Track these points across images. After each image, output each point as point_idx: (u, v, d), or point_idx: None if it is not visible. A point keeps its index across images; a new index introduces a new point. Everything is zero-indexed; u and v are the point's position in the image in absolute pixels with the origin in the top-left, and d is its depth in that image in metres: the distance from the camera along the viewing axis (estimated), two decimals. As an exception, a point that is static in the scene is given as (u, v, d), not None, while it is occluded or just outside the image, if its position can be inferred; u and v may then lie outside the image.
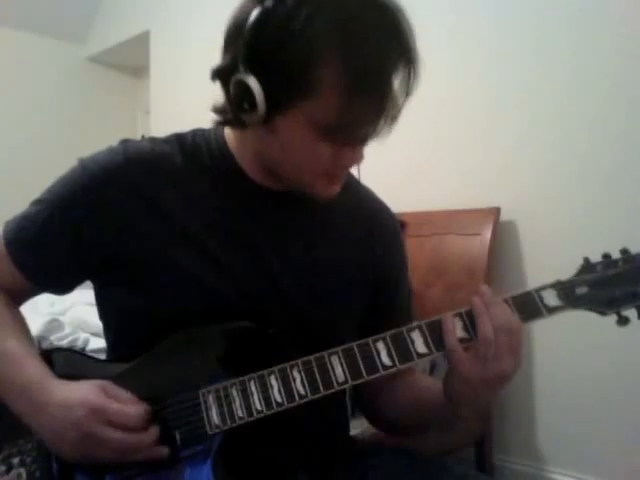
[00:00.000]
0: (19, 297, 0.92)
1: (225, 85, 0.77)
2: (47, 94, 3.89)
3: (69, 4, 3.83)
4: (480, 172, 2.08)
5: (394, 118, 0.77)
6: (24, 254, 0.87)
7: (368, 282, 0.94)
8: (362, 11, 0.70)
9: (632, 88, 1.77)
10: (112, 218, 0.83)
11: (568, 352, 1.87)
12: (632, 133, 1.77)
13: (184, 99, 3.28)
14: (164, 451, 0.76)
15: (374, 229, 0.96)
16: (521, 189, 1.99)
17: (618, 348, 1.71)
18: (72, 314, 2.09)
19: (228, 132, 0.88)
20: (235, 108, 0.76)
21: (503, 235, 1.99)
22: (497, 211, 1.97)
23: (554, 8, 1.93)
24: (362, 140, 0.77)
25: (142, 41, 3.64)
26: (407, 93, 0.76)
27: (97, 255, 0.84)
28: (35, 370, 0.80)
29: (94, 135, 3.81)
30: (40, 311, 2.07)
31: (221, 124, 0.84)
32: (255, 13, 0.70)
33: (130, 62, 4.09)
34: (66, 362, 0.86)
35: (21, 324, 0.89)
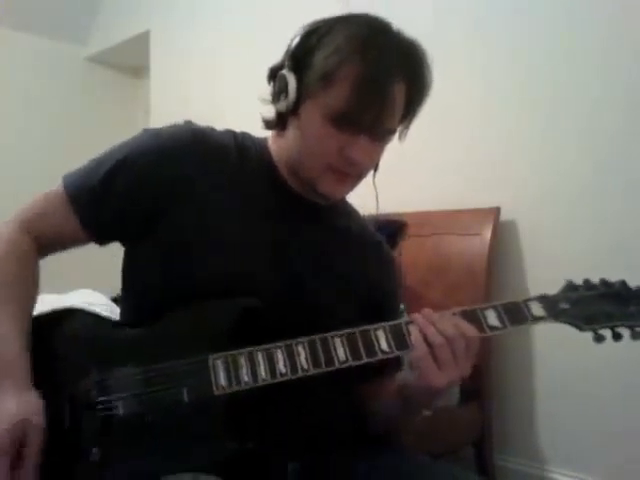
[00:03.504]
0: (66, 245, 0.96)
1: (273, 80, 0.94)
2: (47, 94, 3.89)
3: (69, 4, 3.83)
4: (480, 172, 2.08)
5: (392, 123, 0.91)
6: (86, 205, 0.92)
7: (362, 298, 1.01)
8: (380, 35, 0.89)
9: (632, 87, 1.77)
10: (171, 179, 0.91)
11: (567, 352, 1.87)
12: (631, 133, 1.77)
13: (184, 99, 3.28)
14: None
15: (373, 256, 1.05)
16: (521, 189, 1.99)
17: (618, 349, 1.71)
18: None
19: (270, 141, 1.00)
20: (275, 98, 0.93)
21: (503, 235, 1.99)
22: (497, 211, 1.97)
23: (548, 7, 1.93)
24: (362, 129, 0.88)
25: (142, 41, 3.64)
26: (411, 106, 0.93)
27: (150, 209, 0.91)
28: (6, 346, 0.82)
29: (94, 135, 3.81)
30: (40, 311, 2.06)
31: (266, 122, 0.97)
32: (303, 29, 0.91)
33: (130, 62, 4.08)
34: (79, 323, 0.90)
35: (27, 288, 0.91)
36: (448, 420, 1.85)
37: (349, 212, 1.07)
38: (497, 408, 2.01)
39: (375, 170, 0.98)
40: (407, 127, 0.97)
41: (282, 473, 0.91)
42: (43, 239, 0.94)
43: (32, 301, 0.92)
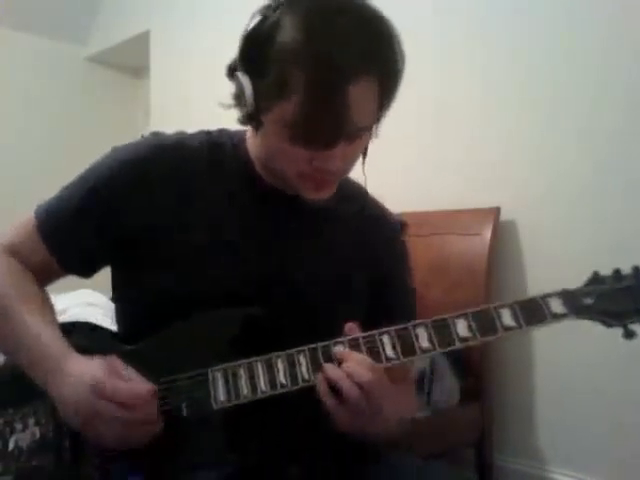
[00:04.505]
0: (44, 279, 0.94)
1: (233, 80, 0.85)
2: (47, 94, 3.88)
3: (69, 4, 3.83)
4: (480, 172, 2.08)
5: (364, 121, 0.80)
6: (54, 233, 0.91)
7: (368, 282, 0.98)
8: (331, 25, 0.76)
9: (632, 87, 1.77)
10: (144, 199, 0.88)
11: (567, 352, 1.87)
12: (631, 133, 1.77)
13: (184, 99, 3.28)
14: (161, 427, 0.78)
15: (374, 235, 1.00)
16: (521, 189, 1.99)
17: (618, 349, 1.71)
18: (72, 314, 2.09)
19: (248, 134, 0.94)
20: (236, 102, 0.85)
21: (503, 235, 1.99)
22: (497, 211, 1.97)
23: (548, 7, 1.93)
24: (325, 144, 0.79)
25: (142, 41, 3.64)
26: (381, 102, 0.81)
27: (126, 232, 0.89)
28: (55, 343, 0.83)
29: (94, 135, 3.81)
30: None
31: (239, 121, 0.88)
32: (253, 21, 0.81)
33: (130, 62, 4.08)
34: (84, 337, 0.89)
35: (47, 300, 0.92)
36: (448, 420, 1.85)
37: (345, 195, 0.98)
38: (497, 408, 2.01)
39: (364, 156, 0.89)
40: (383, 116, 0.86)
41: (281, 478, 0.90)
42: (35, 271, 0.92)
43: (48, 301, 0.92)
